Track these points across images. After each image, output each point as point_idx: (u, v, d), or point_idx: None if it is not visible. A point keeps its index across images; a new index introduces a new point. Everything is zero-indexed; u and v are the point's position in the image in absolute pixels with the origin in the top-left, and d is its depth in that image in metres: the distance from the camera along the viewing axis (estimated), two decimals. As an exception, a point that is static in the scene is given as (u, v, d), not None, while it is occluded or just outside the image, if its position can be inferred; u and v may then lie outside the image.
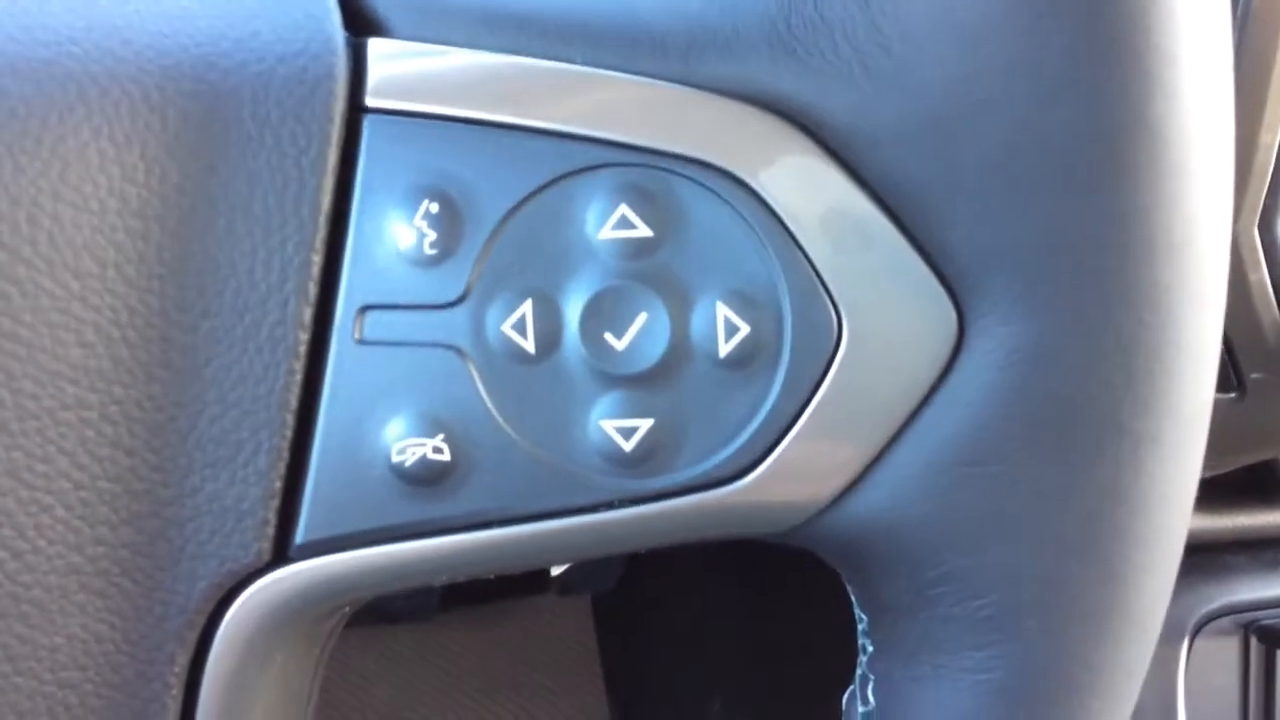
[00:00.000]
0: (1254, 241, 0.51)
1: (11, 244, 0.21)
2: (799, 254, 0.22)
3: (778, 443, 0.22)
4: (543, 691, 0.74)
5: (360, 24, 0.23)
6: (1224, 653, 0.61)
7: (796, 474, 0.23)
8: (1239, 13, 0.47)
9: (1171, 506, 0.22)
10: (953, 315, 0.22)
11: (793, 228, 0.22)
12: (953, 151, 0.21)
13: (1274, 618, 0.61)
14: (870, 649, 0.24)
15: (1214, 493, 0.62)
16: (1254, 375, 0.54)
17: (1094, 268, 0.21)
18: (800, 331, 0.22)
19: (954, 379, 0.22)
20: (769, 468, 0.22)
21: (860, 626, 0.25)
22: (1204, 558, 0.62)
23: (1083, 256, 0.21)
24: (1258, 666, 0.62)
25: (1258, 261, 0.51)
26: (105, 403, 0.22)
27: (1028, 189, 0.21)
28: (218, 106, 0.22)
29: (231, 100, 0.22)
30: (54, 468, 0.22)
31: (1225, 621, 0.61)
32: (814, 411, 0.22)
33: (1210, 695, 0.61)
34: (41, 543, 0.22)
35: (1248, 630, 0.62)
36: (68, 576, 0.22)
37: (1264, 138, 0.49)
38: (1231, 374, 0.55)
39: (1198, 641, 0.61)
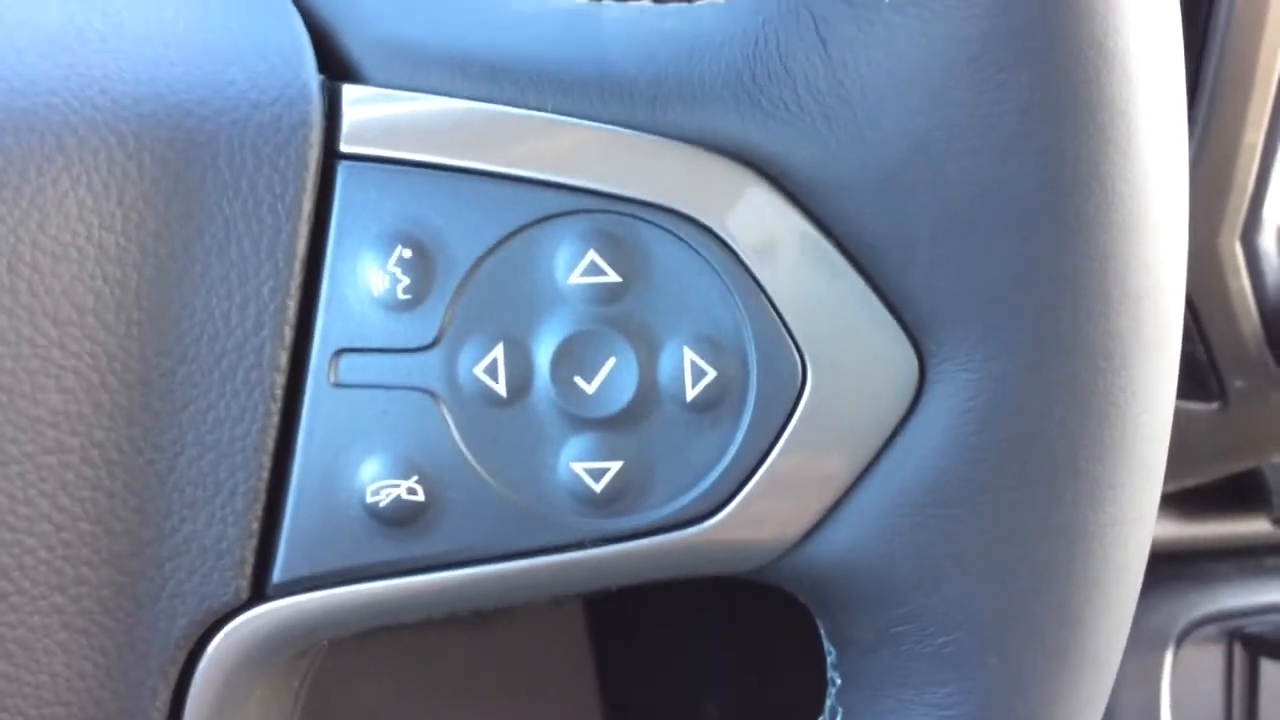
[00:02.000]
0: (1235, 251, 0.52)
1: None
2: (764, 299, 0.23)
3: (744, 484, 0.23)
4: (536, 697, 0.75)
5: (335, 69, 0.24)
6: (1208, 660, 0.62)
7: (762, 515, 0.23)
8: (1221, 12, 0.47)
9: (1127, 547, 0.23)
10: (914, 360, 0.22)
11: (758, 273, 0.22)
12: (911, 202, 0.21)
13: (1258, 625, 0.62)
14: (839, 682, 0.25)
15: (1197, 501, 0.62)
16: (1237, 383, 0.55)
17: (1050, 316, 0.21)
18: (765, 376, 0.23)
19: (915, 422, 0.22)
20: (735, 509, 0.23)
21: (829, 659, 0.25)
22: (1188, 566, 0.62)
23: (1039, 305, 0.21)
24: (1241, 673, 0.63)
25: (1239, 271, 0.52)
26: (85, 446, 0.22)
27: (984, 239, 0.21)
28: (194, 154, 0.22)
29: (207, 147, 0.22)
30: (35, 510, 0.22)
31: (1210, 629, 0.62)
32: (779, 454, 0.23)
33: (1195, 702, 0.62)
34: (25, 584, 0.22)
35: (1232, 637, 0.62)
36: (51, 616, 0.23)
37: (1247, 137, 0.49)
38: (1214, 384, 0.55)
39: (1182, 649, 0.61)
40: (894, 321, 0.22)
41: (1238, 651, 0.63)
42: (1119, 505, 0.22)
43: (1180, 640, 0.61)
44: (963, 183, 0.21)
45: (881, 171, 0.21)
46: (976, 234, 0.21)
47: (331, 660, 0.27)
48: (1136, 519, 0.23)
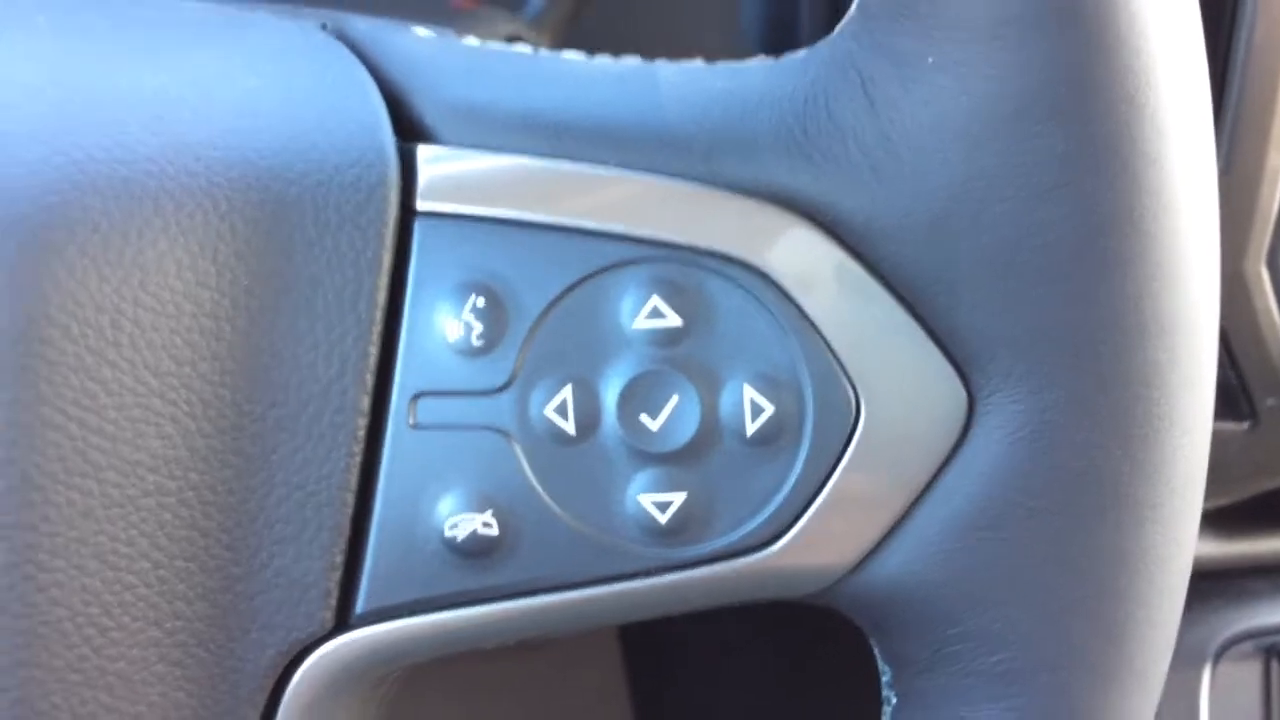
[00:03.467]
0: (1262, 275, 0.52)
1: (97, 347, 0.23)
2: (818, 339, 0.24)
3: (802, 513, 0.24)
4: (569, 715, 0.75)
5: (409, 131, 0.25)
6: (1246, 677, 0.62)
7: (820, 542, 0.24)
8: (1243, 35, 0.48)
9: (1170, 567, 0.24)
10: (963, 394, 0.24)
11: (811, 314, 0.24)
12: (955, 246, 0.23)
13: (1295, 642, 0.62)
14: (894, 700, 0.26)
15: (1231, 520, 0.63)
16: (1268, 403, 0.55)
17: (1090, 351, 0.22)
18: (821, 411, 0.24)
19: (965, 453, 0.24)
20: (794, 537, 0.24)
21: (884, 679, 0.26)
22: (1223, 584, 0.63)
23: (1079, 341, 0.22)
24: (1279, 690, 0.63)
25: (1266, 294, 0.53)
26: (182, 489, 0.24)
27: (1025, 281, 0.22)
28: (282, 214, 0.24)
29: (294, 208, 0.24)
30: (135, 549, 0.24)
31: (1246, 646, 0.62)
32: (835, 484, 0.24)
33: (1234, 717, 0.62)
34: (125, 619, 0.24)
35: (1269, 654, 0.63)
36: (148, 649, 0.24)
37: (1272, 159, 0.50)
38: (1245, 404, 0.56)
39: (1220, 666, 0.62)
40: (943, 358, 0.24)
41: (1275, 667, 0.63)
42: (1160, 527, 0.23)
43: (1218, 657, 0.62)
44: (1003, 228, 0.22)
45: (926, 218, 0.23)
46: (1017, 276, 0.22)
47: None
48: (1178, 540, 0.24)
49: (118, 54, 0.25)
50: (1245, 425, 0.56)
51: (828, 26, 0.25)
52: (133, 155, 0.24)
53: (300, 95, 0.25)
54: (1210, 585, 0.62)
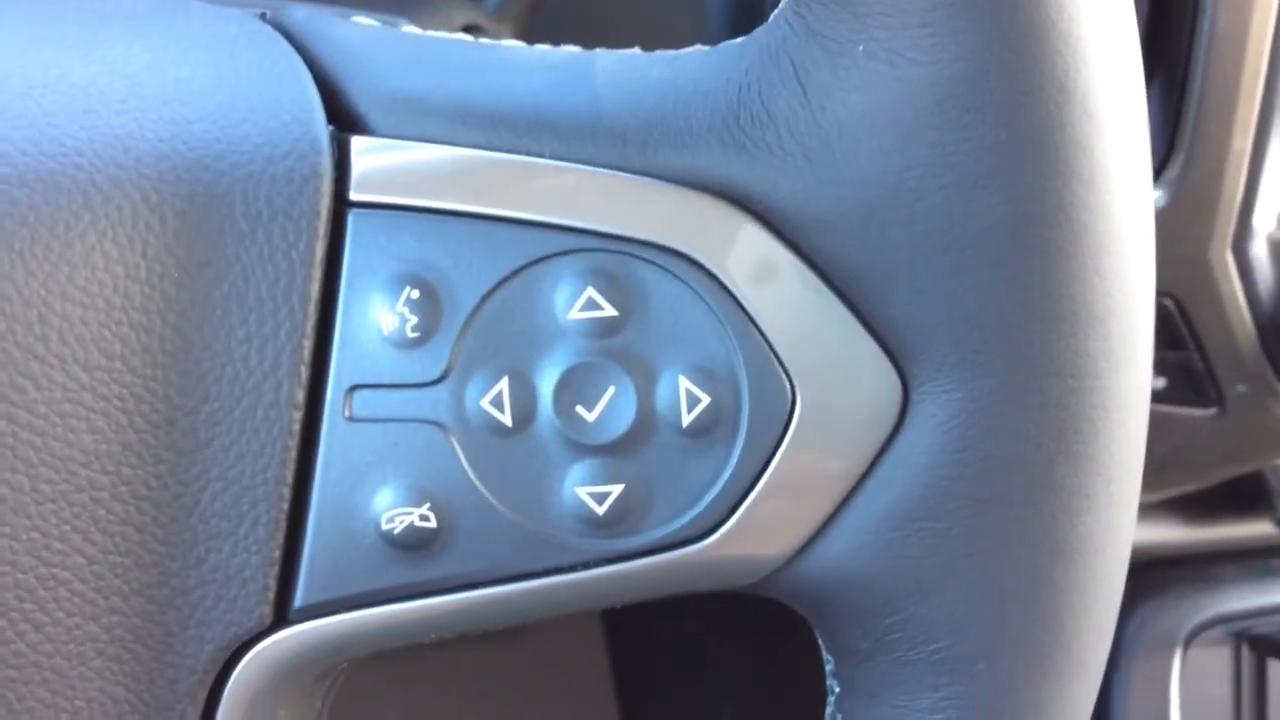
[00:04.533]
0: (1227, 260, 0.53)
1: (25, 342, 0.23)
2: (753, 329, 0.24)
3: (739, 504, 0.24)
4: (555, 712, 0.76)
5: (343, 121, 0.25)
6: (1216, 662, 0.63)
7: (757, 532, 0.24)
8: (1206, 18, 0.48)
9: (1106, 555, 0.24)
10: (898, 383, 0.24)
11: (747, 305, 0.24)
12: (889, 235, 0.23)
13: (1265, 626, 0.63)
14: (838, 689, 0.26)
15: (1201, 505, 0.63)
16: (1235, 389, 0.55)
17: (1022, 340, 0.22)
18: (757, 401, 0.24)
19: (900, 443, 0.24)
20: (731, 527, 0.24)
21: (828, 668, 0.26)
22: (1193, 569, 0.63)
23: (1012, 330, 0.22)
24: (1249, 675, 0.63)
25: (1232, 279, 0.53)
26: (115, 484, 0.24)
27: (957, 270, 0.22)
28: (212, 206, 0.24)
29: (225, 200, 0.24)
30: (69, 545, 0.23)
31: (1216, 631, 0.62)
32: (772, 474, 0.24)
33: (1203, 705, 0.62)
34: (60, 614, 0.24)
35: (1239, 639, 0.63)
36: (85, 644, 0.24)
37: (1235, 144, 0.50)
38: (1212, 390, 0.56)
39: (1190, 652, 0.62)
40: (877, 347, 0.24)
41: (1245, 653, 0.63)
42: (1096, 516, 0.23)
43: (1188, 643, 0.62)
44: (936, 217, 0.22)
45: (860, 207, 0.23)
46: (951, 264, 0.22)
47: (353, 680, 0.28)
48: (1114, 529, 0.24)
49: (47, 45, 0.25)
50: (1212, 411, 0.56)
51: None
52: (61, 148, 0.23)
53: (233, 85, 0.25)
54: (1180, 571, 0.63)
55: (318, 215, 0.24)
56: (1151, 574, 0.62)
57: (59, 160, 0.23)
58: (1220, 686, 0.63)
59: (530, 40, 0.27)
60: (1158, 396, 0.57)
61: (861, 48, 0.22)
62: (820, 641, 0.26)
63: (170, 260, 0.23)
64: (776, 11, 0.24)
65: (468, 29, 0.43)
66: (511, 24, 0.49)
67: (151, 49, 0.26)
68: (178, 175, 0.24)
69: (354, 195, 0.24)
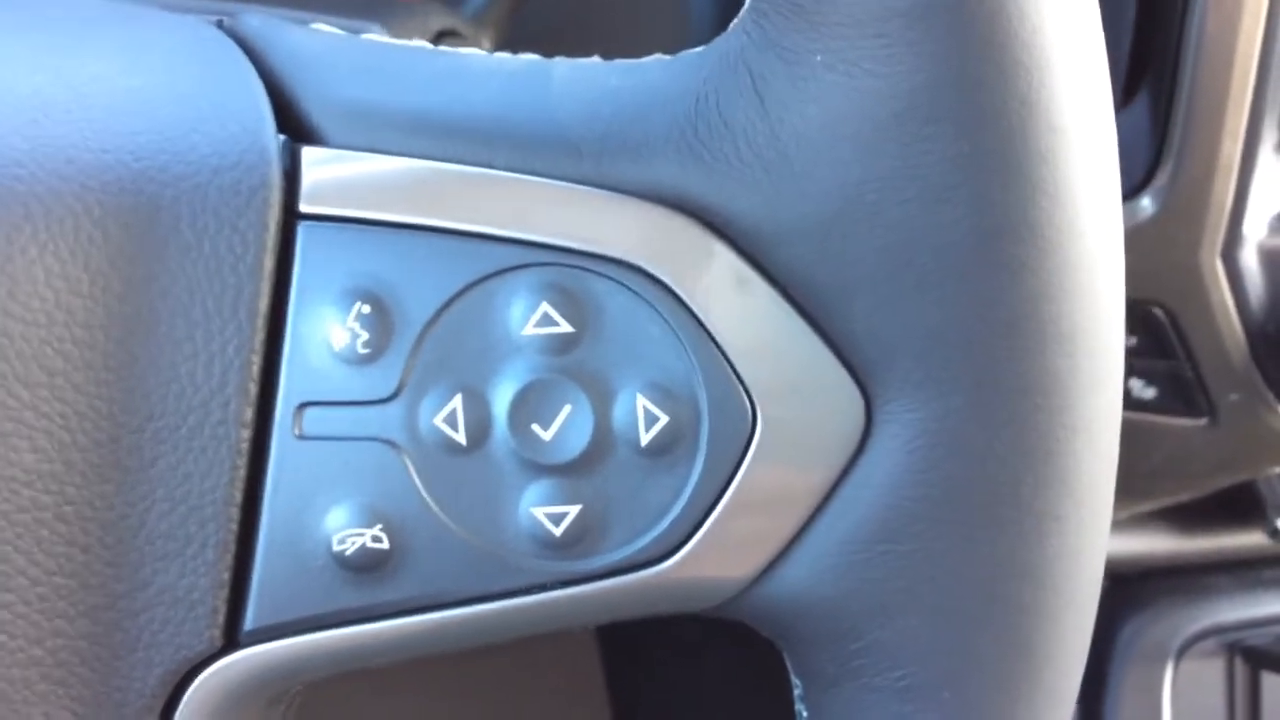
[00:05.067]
0: (1217, 268, 0.52)
1: None
2: (713, 346, 0.23)
3: (699, 525, 0.23)
4: (545, 709, 0.75)
5: (296, 131, 0.25)
6: (1209, 674, 0.62)
7: (718, 554, 0.24)
8: (1195, 22, 0.48)
9: (1076, 579, 0.23)
10: (860, 402, 0.23)
11: (706, 321, 0.23)
12: (849, 250, 0.22)
13: (1258, 637, 0.62)
14: (805, 714, 0.25)
15: (1193, 516, 0.62)
16: (1226, 399, 0.55)
17: (987, 357, 0.22)
18: (717, 420, 0.23)
19: (863, 462, 0.23)
20: (692, 548, 0.23)
21: (796, 692, 0.26)
22: (1185, 580, 0.62)
23: (976, 347, 0.22)
24: (1243, 686, 0.63)
25: (1221, 288, 0.52)
26: (59, 503, 0.23)
27: (919, 285, 0.22)
28: (157, 218, 0.23)
29: (170, 212, 0.23)
30: (12, 566, 0.23)
31: (1210, 643, 0.62)
32: (732, 495, 0.23)
33: (1196, 717, 0.61)
34: (3, 638, 0.23)
35: (1232, 651, 0.62)
36: (29, 668, 0.23)
37: (1225, 150, 0.50)
38: (1203, 400, 0.55)
39: (1183, 663, 0.61)
40: (839, 365, 0.23)
41: (1239, 665, 0.63)
42: (1065, 538, 0.23)
43: (1180, 654, 0.61)
44: (897, 231, 0.22)
45: (819, 220, 0.22)
46: (912, 280, 0.22)
47: (336, 694, 0.27)
48: (1084, 550, 0.23)
49: None
50: (1204, 421, 0.55)
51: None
52: (1, 159, 0.23)
53: (182, 94, 0.24)
54: (1172, 581, 0.62)
55: (265, 228, 0.23)
56: (1144, 585, 0.62)
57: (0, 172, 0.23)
58: (1213, 698, 0.63)
59: (512, 47, 0.26)
60: (1149, 406, 0.56)
61: (819, 58, 0.22)
62: (788, 664, 0.26)
63: (113, 274, 0.23)
64: (736, 21, 0.23)
65: (443, 35, 0.43)
66: (491, 30, 0.49)
67: (100, 58, 0.25)
68: (121, 187, 0.23)
69: (304, 207, 0.24)
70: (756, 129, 0.22)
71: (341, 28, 0.39)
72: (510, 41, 0.50)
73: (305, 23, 0.28)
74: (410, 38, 0.41)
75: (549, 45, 0.27)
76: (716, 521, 0.23)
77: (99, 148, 0.23)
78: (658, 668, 0.74)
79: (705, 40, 0.24)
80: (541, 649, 0.74)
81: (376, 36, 0.28)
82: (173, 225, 0.23)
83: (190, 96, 0.24)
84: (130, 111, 0.24)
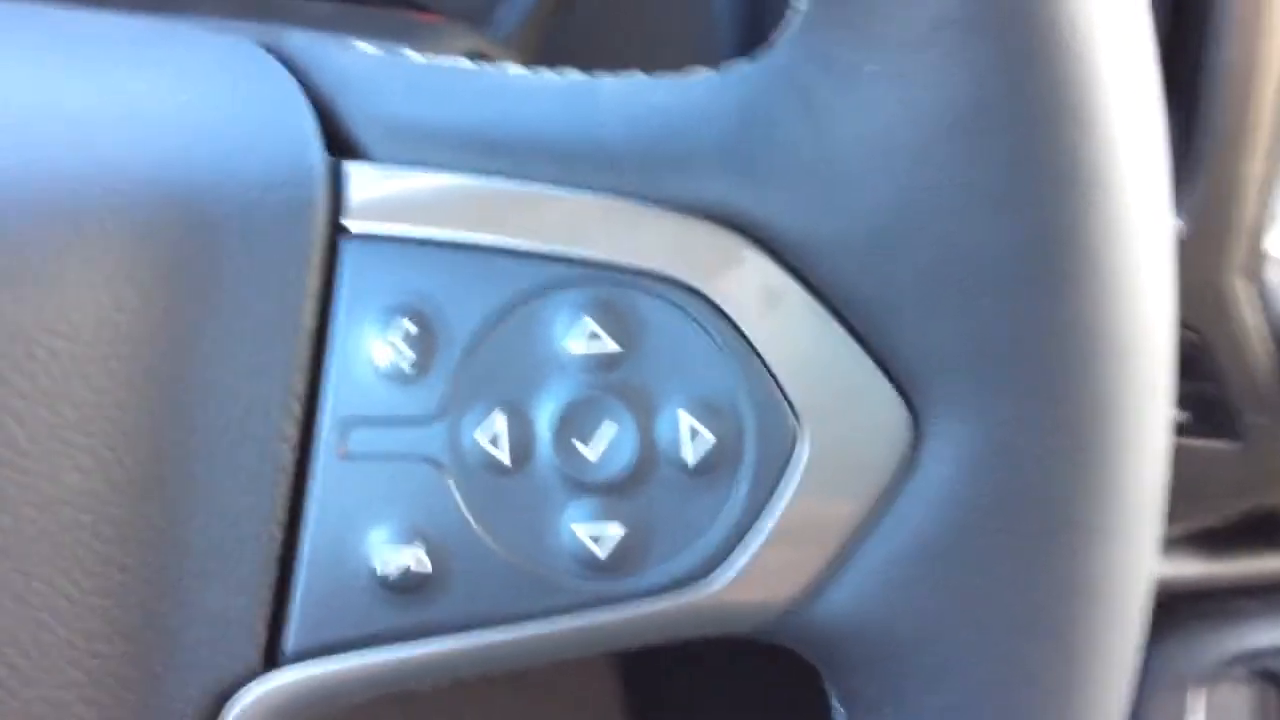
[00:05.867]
0: (1243, 286, 0.52)
1: (9, 377, 0.22)
2: (759, 363, 0.23)
3: (743, 545, 0.23)
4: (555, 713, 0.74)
5: (341, 148, 0.25)
6: (1238, 700, 0.61)
7: (762, 575, 0.23)
8: (1219, 41, 0.48)
9: (1126, 593, 0.23)
10: (908, 418, 0.23)
11: (751, 337, 0.23)
12: (897, 263, 0.22)
13: (1288, 663, 0.61)
14: None
15: (1220, 540, 0.62)
16: (1253, 420, 0.54)
17: (1038, 370, 0.21)
18: (762, 437, 0.23)
19: (911, 480, 0.23)
20: (735, 569, 0.23)
21: (838, 719, 0.25)
22: (1214, 605, 0.62)
23: (1027, 362, 0.21)
24: (1274, 714, 0.62)
25: (1247, 306, 0.52)
26: (99, 522, 0.23)
27: (968, 298, 0.22)
28: (204, 236, 0.23)
29: (217, 230, 0.23)
30: (52, 587, 0.23)
31: (1239, 669, 0.61)
32: (777, 514, 0.23)
33: (1227, 743, 0.61)
34: (42, 659, 0.23)
35: (1262, 677, 0.61)
36: (68, 690, 0.23)
37: (1249, 169, 0.50)
38: (1230, 422, 0.55)
39: (1211, 689, 0.60)
40: (886, 380, 0.23)
41: (1269, 691, 0.62)
42: (1115, 552, 0.22)
43: (1210, 680, 0.61)
44: (946, 244, 0.21)
45: (868, 234, 0.22)
46: (961, 293, 0.22)
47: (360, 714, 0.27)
48: (1133, 565, 0.23)
49: (40, 71, 0.25)
50: (1231, 444, 0.55)
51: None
52: (52, 175, 0.23)
53: (228, 112, 0.25)
54: (1200, 606, 0.61)
55: (311, 244, 0.23)
56: (1171, 610, 0.61)
57: (50, 187, 0.23)
58: (1243, 725, 0.62)
59: (536, 67, 0.26)
60: (1178, 430, 0.56)
61: (870, 69, 0.21)
62: (830, 690, 0.25)
63: (160, 291, 0.23)
64: (783, 33, 0.23)
65: (472, 56, 0.43)
66: (517, 50, 0.49)
67: (148, 76, 0.25)
68: (170, 204, 0.23)
69: (350, 224, 0.24)
70: (805, 142, 0.22)
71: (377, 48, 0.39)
72: (532, 64, 0.50)
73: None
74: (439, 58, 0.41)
75: (569, 67, 0.27)
76: (759, 542, 0.23)
77: (148, 164, 0.23)
78: (678, 686, 0.74)
79: (729, 47, 0.24)
80: (557, 674, 0.73)
81: (417, 55, 0.28)
82: (219, 243, 0.23)
83: (237, 115, 0.24)
84: (178, 129, 0.24)
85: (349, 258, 0.23)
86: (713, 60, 0.26)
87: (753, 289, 0.23)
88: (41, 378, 0.22)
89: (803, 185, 0.22)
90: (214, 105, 0.25)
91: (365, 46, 0.27)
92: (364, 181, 0.24)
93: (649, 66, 0.26)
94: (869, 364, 0.23)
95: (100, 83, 0.25)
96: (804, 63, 0.22)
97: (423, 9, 0.47)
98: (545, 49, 0.50)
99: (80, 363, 0.22)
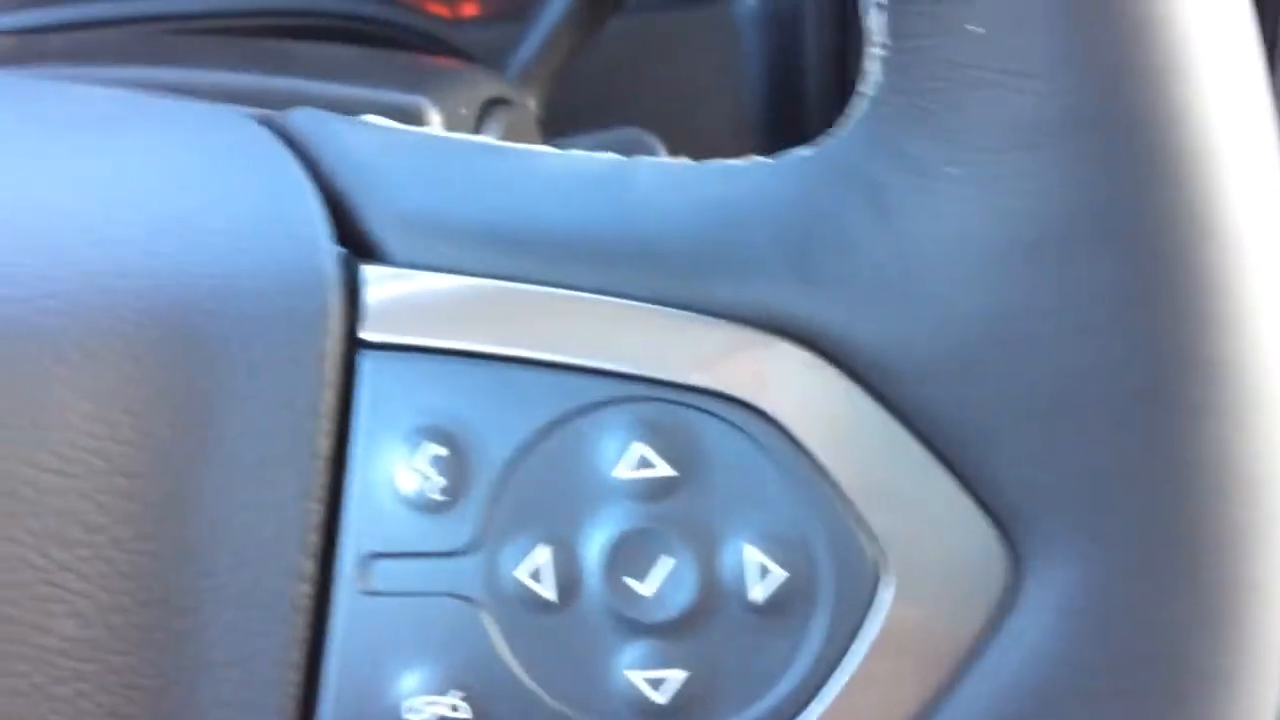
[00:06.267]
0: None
1: None
2: (834, 492, 0.20)
3: (821, 692, 0.21)
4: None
5: (354, 244, 0.22)
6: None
7: None
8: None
9: None
10: (1005, 556, 0.20)
11: (825, 463, 0.20)
12: (989, 385, 0.19)
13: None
14: None
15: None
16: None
17: (1157, 509, 0.19)
18: (840, 574, 0.20)
19: (1009, 625, 0.20)
20: (813, 718, 0.21)
21: None
22: None
23: (1144, 497, 0.19)
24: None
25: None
26: (101, 673, 0.21)
27: (1075, 427, 0.19)
28: (203, 354, 0.21)
29: (218, 346, 0.21)
30: None
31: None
32: (858, 660, 0.20)
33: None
34: None
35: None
36: None
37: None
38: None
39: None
40: (980, 512, 0.20)
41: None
42: (1236, 700, 0.20)
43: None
44: (1049, 368, 0.19)
45: (952, 353, 0.19)
46: (1065, 422, 0.19)
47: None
48: (1255, 711, 0.20)
49: (10, 165, 0.22)
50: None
51: (839, 97, 0.21)
52: (27, 291, 0.20)
53: (227, 207, 0.22)
54: None
55: (325, 358, 0.21)
56: None
57: (25, 305, 0.20)
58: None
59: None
60: None
61: (952, 170, 0.19)
62: None
63: (157, 416, 0.21)
64: (849, 120, 0.21)
65: (492, 102, 0.41)
66: (536, 90, 0.47)
67: (135, 166, 0.23)
68: (164, 319, 0.21)
69: (367, 334, 0.21)
70: (877, 246, 0.20)
71: (389, 101, 0.37)
72: (552, 103, 0.48)
73: (353, 110, 0.25)
74: (459, 108, 0.39)
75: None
76: (839, 689, 0.21)
77: (136, 274, 0.21)
78: None
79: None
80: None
81: (434, 130, 0.26)
82: (221, 361, 0.21)
83: (237, 209, 0.22)
84: (170, 230, 0.22)
85: (367, 373, 0.21)
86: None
87: (824, 409, 0.20)
88: (26, 517, 0.20)
89: (875, 293, 0.20)
90: (209, 198, 0.22)
91: (376, 120, 0.25)
92: (381, 285, 0.21)
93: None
94: (959, 494, 0.20)
95: (80, 175, 0.22)
96: (873, 156, 0.20)
97: (438, 53, 0.44)
98: (563, 87, 0.48)
99: (70, 499, 0.20)
